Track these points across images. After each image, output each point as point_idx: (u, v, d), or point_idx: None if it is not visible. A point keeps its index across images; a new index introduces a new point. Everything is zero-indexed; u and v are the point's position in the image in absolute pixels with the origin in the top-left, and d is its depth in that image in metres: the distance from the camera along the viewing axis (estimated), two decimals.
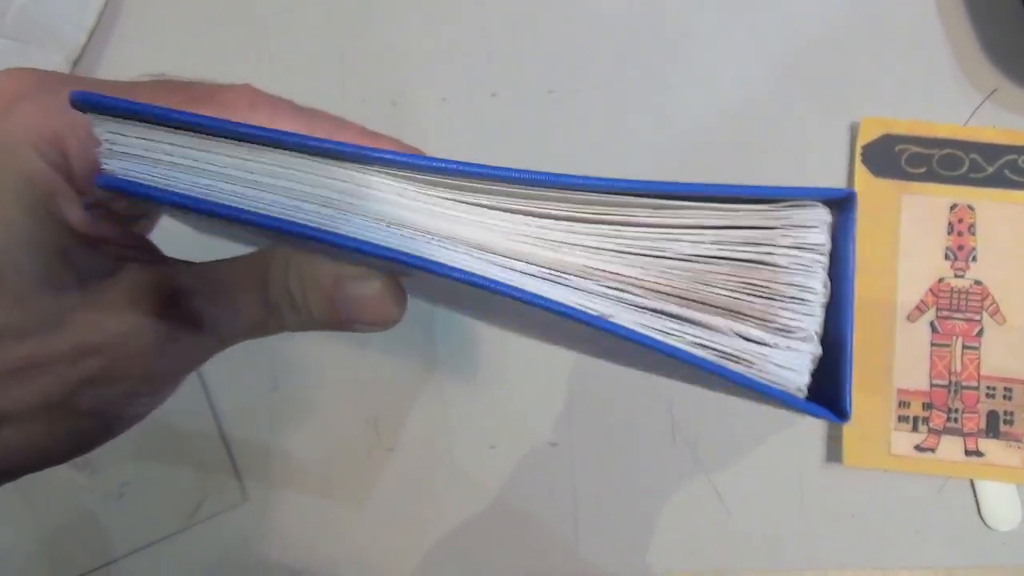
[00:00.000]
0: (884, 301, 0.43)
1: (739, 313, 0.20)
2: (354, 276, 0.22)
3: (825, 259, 0.20)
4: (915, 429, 0.42)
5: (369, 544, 0.45)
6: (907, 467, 0.42)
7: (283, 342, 0.43)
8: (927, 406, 0.42)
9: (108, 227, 0.21)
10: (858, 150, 0.44)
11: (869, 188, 0.44)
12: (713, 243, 0.20)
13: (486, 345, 0.45)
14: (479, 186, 0.19)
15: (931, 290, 0.43)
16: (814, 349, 0.20)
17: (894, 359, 0.43)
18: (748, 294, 0.19)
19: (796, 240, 0.19)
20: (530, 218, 0.20)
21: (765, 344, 0.19)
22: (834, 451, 0.43)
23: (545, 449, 0.44)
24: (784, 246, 0.19)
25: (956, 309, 0.43)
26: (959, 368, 0.42)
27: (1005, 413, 0.42)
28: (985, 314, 0.43)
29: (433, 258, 0.19)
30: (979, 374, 0.42)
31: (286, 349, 0.46)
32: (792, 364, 0.19)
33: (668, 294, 0.20)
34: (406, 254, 0.19)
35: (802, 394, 0.20)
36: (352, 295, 0.22)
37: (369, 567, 0.44)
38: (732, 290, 0.20)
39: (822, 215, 0.20)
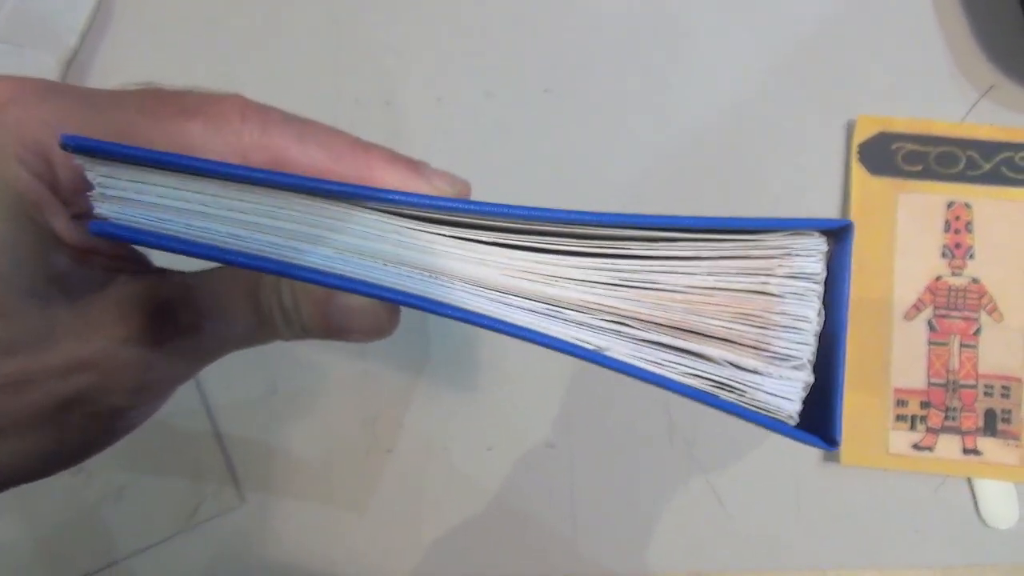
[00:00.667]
0: (881, 300, 0.43)
1: (733, 342, 0.20)
2: None
3: (820, 288, 0.20)
4: (913, 428, 0.42)
5: (368, 546, 0.44)
6: (905, 466, 0.42)
7: (280, 344, 0.43)
8: (925, 405, 0.42)
9: (94, 238, 0.21)
10: (854, 148, 0.44)
11: (865, 186, 0.44)
12: (708, 274, 0.20)
13: (484, 346, 0.45)
14: (475, 221, 0.19)
15: (928, 288, 0.43)
16: (806, 377, 0.20)
17: (891, 358, 0.43)
18: (742, 323, 0.20)
19: (792, 270, 0.19)
20: (526, 252, 0.20)
21: (758, 373, 0.19)
22: (831, 450, 0.43)
23: (543, 450, 0.44)
24: (780, 275, 0.19)
25: (953, 307, 0.43)
26: (957, 366, 0.42)
27: (1003, 411, 0.42)
28: (983, 312, 0.43)
29: (431, 297, 0.19)
30: (977, 372, 0.42)
31: (284, 351, 0.46)
32: (784, 392, 0.20)
33: (662, 325, 0.20)
34: (404, 294, 0.19)
35: (793, 421, 0.20)
36: (344, 306, 0.22)
37: (368, 569, 0.44)
38: (726, 320, 0.20)
39: (819, 244, 0.20)
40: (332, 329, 0.23)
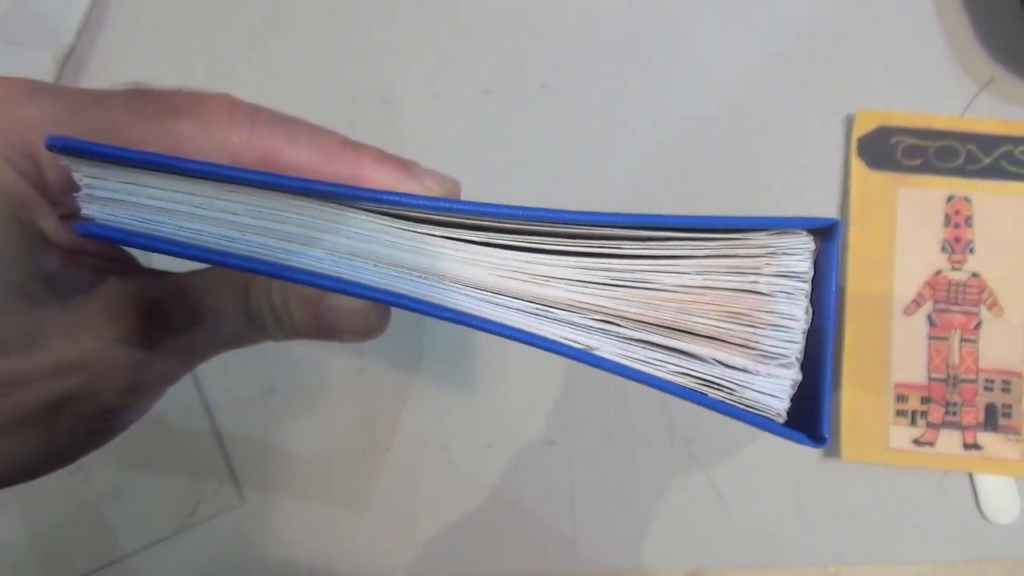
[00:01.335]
0: (881, 295, 0.43)
1: (722, 341, 0.20)
2: None
3: (808, 286, 0.20)
4: (913, 423, 0.42)
5: (367, 543, 0.44)
6: (905, 461, 0.42)
7: (276, 343, 0.43)
8: (925, 400, 0.42)
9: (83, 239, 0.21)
10: (854, 143, 0.44)
11: (865, 181, 0.44)
12: (697, 273, 0.20)
13: (482, 343, 0.45)
14: (466, 221, 0.19)
15: (928, 283, 0.43)
16: (794, 375, 0.20)
17: (891, 353, 0.42)
18: (731, 322, 0.20)
19: (780, 268, 0.20)
20: (516, 252, 0.20)
21: (747, 371, 0.20)
22: (832, 446, 0.43)
23: (542, 448, 0.44)
24: (768, 274, 0.20)
25: (953, 302, 0.43)
26: (957, 361, 0.42)
27: (1003, 406, 0.42)
28: (983, 307, 0.42)
29: (421, 297, 0.19)
30: (977, 367, 0.42)
31: (281, 350, 0.46)
32: (772, 390, 0.20)
33: (652, 324, 0.20)
34: (394, 294, 0.19)
35: (781, 419, 0.20)
36: (335, 306, 0.22)
37: (367, 566, 0.44)
38: (715, 319, 0.20)
39: (806, 243, 0.20)
40: (323, 329, 0.22)
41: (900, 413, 0.42)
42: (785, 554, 0.43)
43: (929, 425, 0.42)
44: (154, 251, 0.19)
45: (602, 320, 0.20)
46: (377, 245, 0.19)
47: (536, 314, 0.19)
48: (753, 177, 0.45)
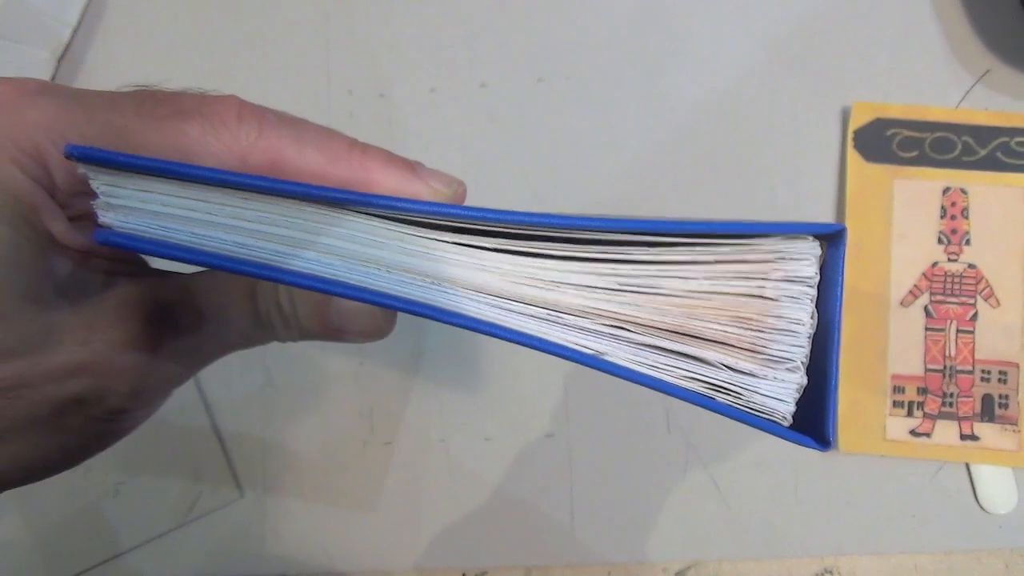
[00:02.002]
0: (877, 286, 0.43)
1: (729, 345, 0.20)
2: None
3: (813, 291, 0.20)
4: (910, 414, 0.42)
5: (366, 537, 0.44)
6: (902, 452, 0.42)
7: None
8: (922, 391, 0.42)
9: (91, 240, 0.21)
10: (850, 135, 0.44)
11: (861, 173, 0.44)
12: (705, 278, 0.20)
13: (480, 337, 0.45)
14: (477, 227, 0.19)
15: (924, 274, 0.43)
16: (800, 379, 0.20)
17: (888, 344, 0.43)
18: (738, 327, 0.20)
19: (787, 274, 0.20)
20: (528, 258, 0.20)
21: (753, 375, 0.20)
22: None
23: (542, 440, 0.44)
24: (775, 279, 0.20)
25: (950, 293, 0.43)
26: (954, 352, 0.42)
27: (1000, 396, 0.42)
28: (979, 298, 0.43)
29: (434, 303, 0.19)
30: (974, 358, 0.42)
31: (279, 344, 0.46)
32: (778, 394, 0.20)
33: (661, 329, 0.20)
34: (407, 301, 0.19)
35: (787, 422, 0.20)
36: (342, 307, 0.22)
37: (367, 559, 0.44)
38: (723, 323, 0.20)
39: (812, 248, 0.20)
40: (330, 330, 0.22)
41: (897, 404, 0.42)
42: (782, 545, 0.43)
43: (926, 416, 0.42)
44: (170, 259, 0.19)
45: (612, 325, 0.20)
46: (389, 251, 0.19)
47: (547, 320, 0.20)
48: (749, 171, 0.45)
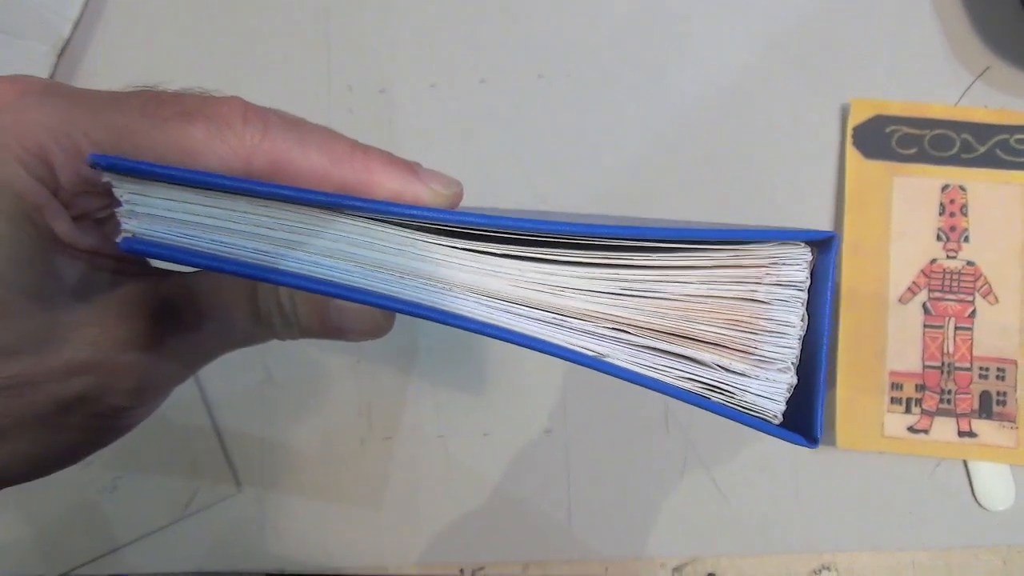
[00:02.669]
0: (876, 283, 0.43)
1: (724, 347, 0.21)
2: None
3: (804, 295, 0.21)
4: (908, 411, 0.42)
5: (364, 532, 0.45)
6: (900, 449, 0.42)
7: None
8: (920, 388, 0.42)
9: (94, 239, 0.21)
10: (849, 132, 0.44)
11: (860, 170, 0.44)
12: (702, 283, 0.21)
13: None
14: (485, 232, 0.20)
15: (923, 271, 0.43)
16: (791, 379, 0.21)
17: (887, 341, 0.43)
18: (732, 329, 0.21)
19: (779, 278, 0.21)
20: (535, 264, 0.21)
21: (746, 376, 0.21)
22: (827, 434, 0.43)
23: (540, 436, 0.44)
24: (767, 284, 0.21)
25: (948, 290, 0.43)
26: (952, 349, 0.42)
27: (998, 393, 0.42)
28: (977, 295, 0.43)
29: (443, 308, 0.20)
30: (972, 355, 0.42)
31: (279, 341, 0.46)
32: (770, 393, 0.21)
33: (659, 331, 0.21)
34: (418, 306, 0.20)
35: (776, 421, 0.21)
36: (342, 306, 0.22)
37: (364, 555, 0.44)
38: (718, 326, 0.21)
39: (804, 254, 0.21)
40: (330, 329, 0.23)
41: (895, 401, 0.42)
42: (780, 541, 0.43)
43: (924, 413, 0.42)
44: (195, 266, 0.19)
45: (613, 328, 0.21)
46: (402, 257, 0.20)
47: (552, 323, 0.20)
48: (749, 168, 0.45)
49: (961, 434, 0.42)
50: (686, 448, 0.44)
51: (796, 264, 0.21)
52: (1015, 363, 0.42)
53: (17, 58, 0.47)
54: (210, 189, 0.19)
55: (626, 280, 0.21)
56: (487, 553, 0.44)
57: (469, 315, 0.20)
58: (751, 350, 0.21)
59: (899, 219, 0.43)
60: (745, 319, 0.21)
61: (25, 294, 0.19)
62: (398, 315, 0.24)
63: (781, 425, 0.21)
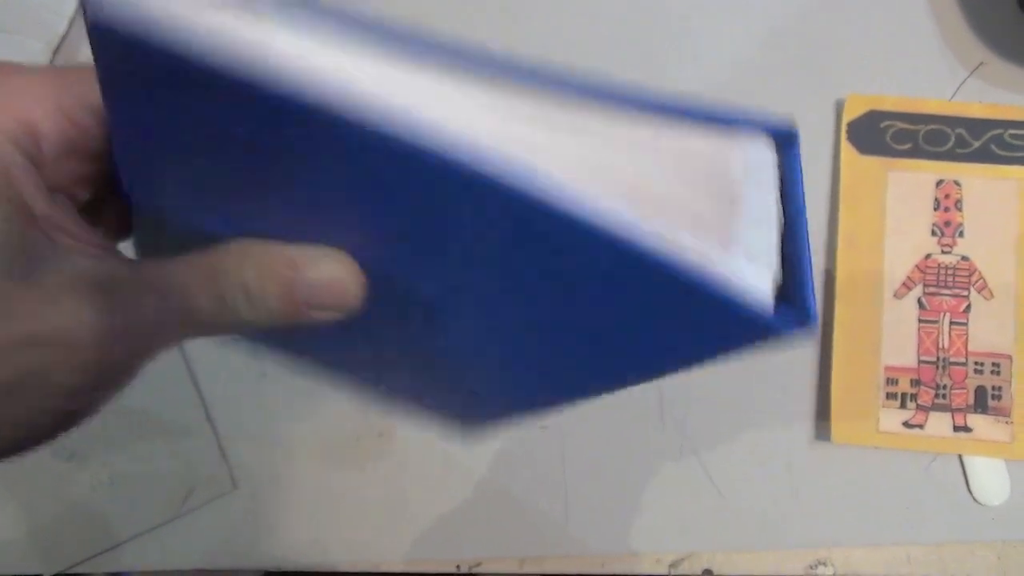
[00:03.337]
0: (871, 278, 0.43)
1: (704, 230, 0.19)
2: (310, 260, 0.21)
3: (776, 179, 0.21)
4: (903, 406, 0.42)
5: (360, 528, 0.45)
6: (896, 444, 0.42)
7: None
8: (915, 383, 0.42)
9: (61, 216, 0.21)
10: (843, 127, 0.44)
11: (855, 165, 0.44)
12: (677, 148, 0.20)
13: None
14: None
15: (918, 266, 0.43)
16: (774, 258, 0.19)
17: (881, 336, 0.43)
18: (710, 212, 0.20)
19: (747, 161, 0.21)
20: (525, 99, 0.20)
21: (730, 256, 0.19)
22: (822, 429, 0.43)
23: (535, 431, 0.44)
24: (738, 165, 0.21)
25: (943, 285, 0.43)
26: (947, 344, 0.42)
27: (993, 388, 0.42)
28: (972, 290, 0.43)
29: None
30: (967, 350, 0.42)
31: None
32: (756, 278, 0.19)
33: (642, 195, 0.19)
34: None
35: (769, 305, 0.19)
36: (310, 278, 0.22)
37: (360, 551, 0.44)
38: (693, 208, 0.20)
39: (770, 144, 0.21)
40: (297, 304, 0.22)
41: (890, 396, 0.42)
42: (776, 536, 0.43)
43: (919, 408, 0.42)
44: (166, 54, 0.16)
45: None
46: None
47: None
48: None
49: (956, 429, 0.42)
50: (682, 443, 0.44)
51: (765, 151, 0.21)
52: (1010, 358, 0.42)
53: (12, 54, 0.46)
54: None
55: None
56: (483, 549, 0.44)
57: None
58: (731, 237, 0.19)
59: (894, 214, 0.43)
60: (721, 200, 0.20)
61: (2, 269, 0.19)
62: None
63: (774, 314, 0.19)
